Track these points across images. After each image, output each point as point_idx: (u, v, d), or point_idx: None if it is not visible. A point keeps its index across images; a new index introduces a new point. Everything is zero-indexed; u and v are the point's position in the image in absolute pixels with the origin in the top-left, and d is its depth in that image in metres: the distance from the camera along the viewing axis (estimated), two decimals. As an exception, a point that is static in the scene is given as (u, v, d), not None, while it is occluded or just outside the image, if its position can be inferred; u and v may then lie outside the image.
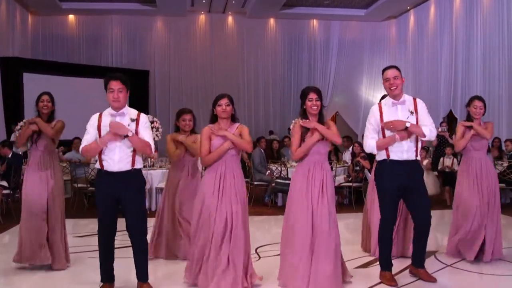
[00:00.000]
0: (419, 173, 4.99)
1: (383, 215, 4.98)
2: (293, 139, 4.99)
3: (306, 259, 4.65)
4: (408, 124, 4.76)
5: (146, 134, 4.50)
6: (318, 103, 4.85)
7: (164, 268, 5.62)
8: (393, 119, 4.83)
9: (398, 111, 4.87)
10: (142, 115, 4.58)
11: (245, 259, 4.72)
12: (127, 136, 4.35)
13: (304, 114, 4.95)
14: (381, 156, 4.94)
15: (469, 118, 5.92)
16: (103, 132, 4.41)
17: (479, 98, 5.95)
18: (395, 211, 4.99)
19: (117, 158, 4.40)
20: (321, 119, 4.92)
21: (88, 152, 4.51)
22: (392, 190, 4.86)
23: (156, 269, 5.51)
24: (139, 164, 4.51)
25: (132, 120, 4.47)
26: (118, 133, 4.34)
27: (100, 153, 4.44)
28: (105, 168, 4.44)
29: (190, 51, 19.66)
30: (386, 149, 4.86)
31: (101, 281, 4.61)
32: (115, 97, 4.41)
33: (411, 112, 4.85)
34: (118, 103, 4.43)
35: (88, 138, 4.48)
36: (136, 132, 4.45)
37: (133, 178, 4.46)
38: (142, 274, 4.60)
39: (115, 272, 4.66)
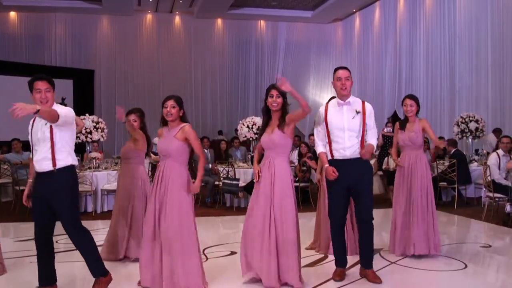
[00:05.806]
0: (367, 173, 4.99)
1: (330, 214, 5.03)
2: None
3: (260, 253, 4.68)
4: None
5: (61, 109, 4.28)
6: (279, 100, 4.77)
7: (121, 270, 5.46)
8: (338, 118, 4.86)
9: (344, 111, 4.89)
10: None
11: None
12: (37, 112, 3.95)
13: (266, 111, 4.90)
14: (328, 156, 4.97)
15: (405, 116, 6.13)
16: (33, 136, 4.33)
17: (410, 97, 6.13)
18: (341, 210, 4.98)
19: (39, 159, 4.31)
20: (283, 118, 4.81)
21: None
22: (339, 189, 4.88)
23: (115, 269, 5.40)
24: (63, 163, 4.32)
25: None
26: (26, 114, 3.87)
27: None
28: (35, 169, 4.38)
29: (137, 51, 19.46)
30: (330, 149, 4.91)
31: (39, 284, 4.50)
32: (43, 98, 4.26)
33: (357, 112, 4.87)
34: (47, 103, 4.27)
35: None
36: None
37: (57, 178, 4.31)
38: (91, 270, 4.50)
39: (73, 275, 4.57)
